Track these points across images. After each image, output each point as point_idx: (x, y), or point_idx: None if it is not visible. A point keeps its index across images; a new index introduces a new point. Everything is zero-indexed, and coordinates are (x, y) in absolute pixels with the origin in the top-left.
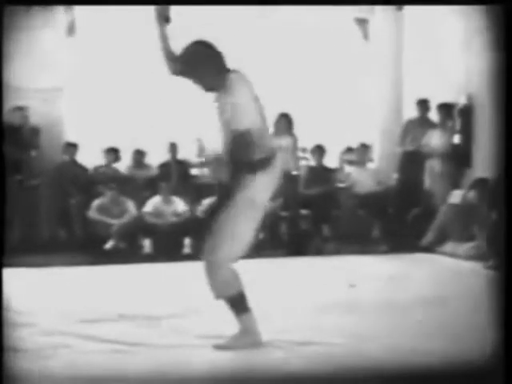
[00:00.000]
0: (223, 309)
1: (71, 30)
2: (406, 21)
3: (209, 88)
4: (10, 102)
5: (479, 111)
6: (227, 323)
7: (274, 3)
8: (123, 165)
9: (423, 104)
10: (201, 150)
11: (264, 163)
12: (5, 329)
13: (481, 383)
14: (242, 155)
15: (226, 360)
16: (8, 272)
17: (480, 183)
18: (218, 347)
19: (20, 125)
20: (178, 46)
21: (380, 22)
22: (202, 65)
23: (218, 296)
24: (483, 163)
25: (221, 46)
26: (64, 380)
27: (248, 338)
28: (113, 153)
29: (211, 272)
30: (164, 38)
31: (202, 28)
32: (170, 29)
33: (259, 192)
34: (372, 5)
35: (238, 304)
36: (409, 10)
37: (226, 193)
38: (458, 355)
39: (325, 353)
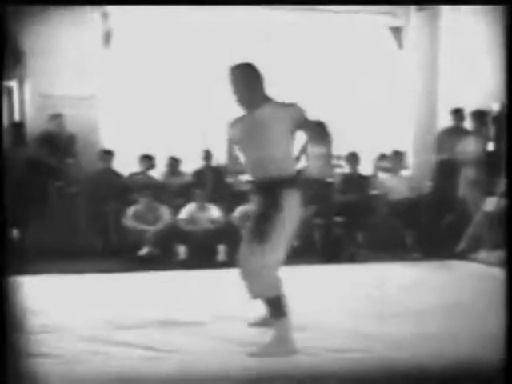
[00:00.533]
0: (256, 316)
1: (107, 38)
2: (442, 29)
3: (247, 107)
4: (47, 111)
5: None
6: (260, 330)
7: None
8: (158, 172)
9: (458, 113)
10: (235, 159)
11: (296, 180)
12: (38, 335)
13: None
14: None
15: (260, 366)
16: (44, 278)
17: None
18: (253, 355)
19: (57, 133)
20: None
21: (415, 30)
22: (246, 86)
23: (258, 295)
24: None
25: (256, 53)
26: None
27: (282, 345)
28: (147, 160)
29: (255, 270)
30: None
31: (234, 33)
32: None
33: (295, 206)
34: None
35: (277, 307)
36: (444, 17)
37: (268, 202)
38: (492, 363)
39: (357, 360)
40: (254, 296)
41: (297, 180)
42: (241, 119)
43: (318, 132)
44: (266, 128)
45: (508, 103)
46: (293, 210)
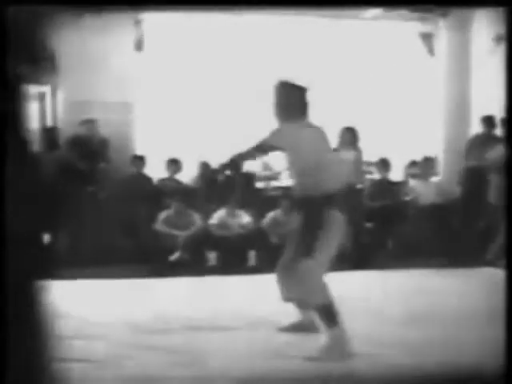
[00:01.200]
0: (287, 321)
1: (140, 44)
2: (473, 35)
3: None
4: (80, 116)
5: None
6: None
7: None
8: (189, 177)
9: (488, 120)
10: (265, 166)
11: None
12: (69, 340)
13: None
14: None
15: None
16: (75, 283)
17: None
18: (309, 359)
19: (89, 137)
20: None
21: (446, 37)
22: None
23: (312, 302)
24: None
25: (289, 62)
26: None
27: (335, 353)
28: (174, 164)
29: (306, 277)
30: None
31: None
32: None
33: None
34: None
35: (330, 315)
36: (475, 24)
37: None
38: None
39: (385, 364)
40: (310, 302)
41: (341, 198)
42: (299, 126)
43: (349, 138)
44: (327, 140)
45: (508, 103)
46: (337, 228)
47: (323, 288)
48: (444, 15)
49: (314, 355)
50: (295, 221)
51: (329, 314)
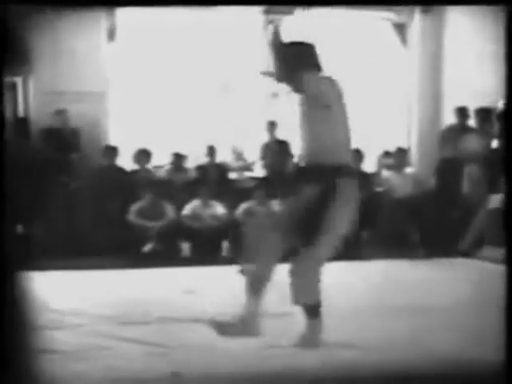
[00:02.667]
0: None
1: (112, 34)
2: (446, 26)
3: (298, 90)
4: (51, 106)
5: None
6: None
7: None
8: (163, 168)
9: (462, 111)
10: (238, 156)
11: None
12: (41, 331)
13: None
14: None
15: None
16: (48, 274)
17: None
18: (294, 345)
19: (60, 127)
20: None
21: (419, 27)
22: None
23: (301, 301)
24: None
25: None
26: (101, 382)
27: (311, 339)
28: (145, 154)
29: (304, 274)
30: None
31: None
32: None
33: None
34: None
35: (315, 312)
36: (449, 14)
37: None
38: (494, 361)
39: (357, 356)
40: (298, 302)
41: (353, 168)
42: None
43: None
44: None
45: (508, 103)
46: (349, 200)
47: (317, 288)
48: (426, 11)
49: (291, 342)
50: (297, 198)
51: (314, 311)
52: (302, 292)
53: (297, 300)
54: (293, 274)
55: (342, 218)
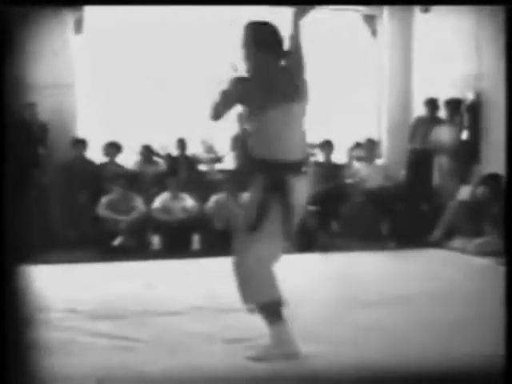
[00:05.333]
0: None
1: (79, 27)
2: (416, 17)
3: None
4: (20, 99)
5: (488, 107)
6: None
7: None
8: (132, 161)
9: (432, 103)
10: (208, 149)
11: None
12: (18, 325)
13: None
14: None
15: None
16: (21, 269)
17: (492, 179)
18: (251, 358)
19: (29, 121)
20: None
21: (388, 19)
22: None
23: (251, 300)
24: (492, 159)
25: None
26: (74, 374)
27: (282, 349)
28: (113, 147)
29: (245, 273)
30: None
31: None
32: None
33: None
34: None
35: (275, 311)
36: (417, 7)
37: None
38: (464, 352)
39: (329, 351)
40: (247, 301)
41: (306, 164)
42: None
43: None
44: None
45: (508, 102)
46: (298, 196)
47: (271, 283)
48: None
49: (257, 355)
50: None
51: (274, 311)
52: (249, 290)
53: (245, 299)
54: (235, 270)
55: (284, 216)
